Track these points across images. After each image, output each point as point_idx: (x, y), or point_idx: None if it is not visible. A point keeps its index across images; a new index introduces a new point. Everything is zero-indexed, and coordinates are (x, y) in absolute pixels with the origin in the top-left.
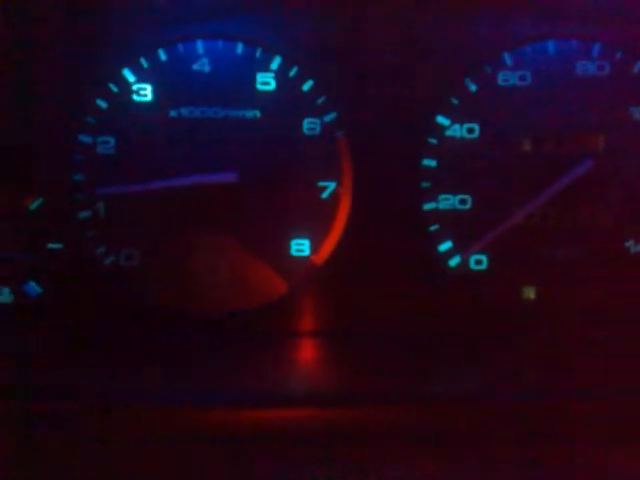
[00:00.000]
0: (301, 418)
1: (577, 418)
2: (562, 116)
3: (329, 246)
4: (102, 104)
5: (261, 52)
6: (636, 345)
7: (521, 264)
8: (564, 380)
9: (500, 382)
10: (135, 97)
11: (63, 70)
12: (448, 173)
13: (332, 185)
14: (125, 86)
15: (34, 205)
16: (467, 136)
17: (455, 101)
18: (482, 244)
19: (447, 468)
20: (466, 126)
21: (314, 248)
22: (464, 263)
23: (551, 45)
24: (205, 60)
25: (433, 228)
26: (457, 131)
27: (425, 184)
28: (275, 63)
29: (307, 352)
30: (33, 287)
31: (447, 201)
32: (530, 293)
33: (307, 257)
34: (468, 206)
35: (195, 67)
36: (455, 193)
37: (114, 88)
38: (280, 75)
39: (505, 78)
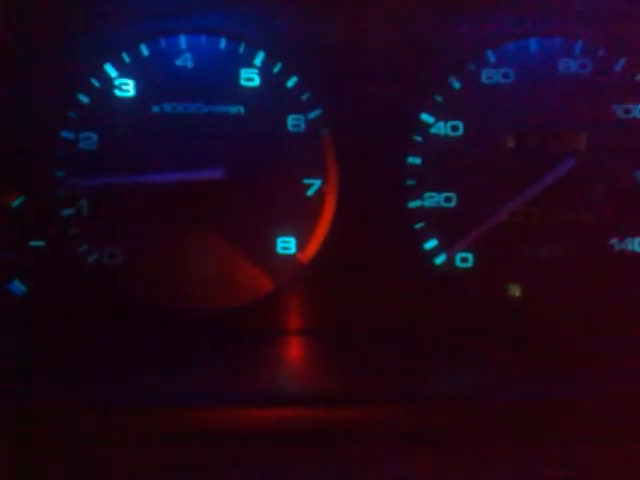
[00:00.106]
0: (289, 417)
1: (577, 418)
2: (545, 114)
3: (315, 244)
4: (84, 99)
5: (245, 47)
6: (631, 344)
7: (507, 262)
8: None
9: (489, 381)
10: (117, 92)
11: (44, 65)
12: (433, 171)
13: (317, 183)
14: (107, 81)
15: (16, 203)
16: (451, 134)
17: (439, 99)
18: (467, 242)
19: (434, 468)
20: (450, 124)
21: (300, 246)
22: (450, 261)
23: (534, 43)
24: (188, 55)
25: (418, 226)
26: (441, 129)
27: (410, 182)
28: (259, 59)
29: (293, 351)
30: (17, 286)
31: (432, 199)
32: (515, 291)
33: (293, 255)
34: (453, 204)
35: (178, 62)
36: (440, 191)
37: (96, 83)
38: (264, 71)
39: (489, 76)
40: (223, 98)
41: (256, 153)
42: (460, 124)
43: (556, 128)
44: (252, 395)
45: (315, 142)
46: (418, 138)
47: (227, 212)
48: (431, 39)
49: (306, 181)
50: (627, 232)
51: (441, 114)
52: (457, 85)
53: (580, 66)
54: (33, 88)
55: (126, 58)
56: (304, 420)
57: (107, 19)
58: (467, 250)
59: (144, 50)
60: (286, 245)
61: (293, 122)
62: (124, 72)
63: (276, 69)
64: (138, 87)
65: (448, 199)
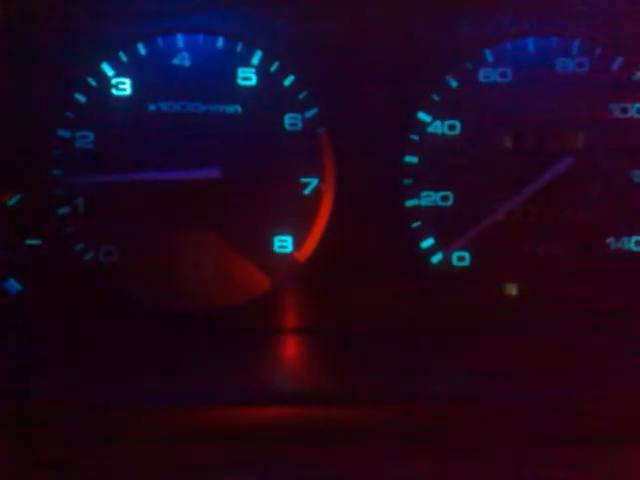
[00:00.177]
0: (286, 416)
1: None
2: (542, 113)
3: (312, 243)
4: (81, 98)
5: (242, 47)
6: (630, 343)
7: (503, 261)
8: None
9: (488, 381)
10: (114, 91)
11: (42, 64)
12: (430, 170)
13: (314, 181)
14: (104, 80)
15: (12, 201)
16: (448, 133)
17: (436, 98)
18: (464, 241)
19: (433, 468)
20: (447, 123)
21: (297, 245)
22: (446, 260)
23: (531, 42)
24: (185, 54)
25: (415, 225)
26: (438, 128)
27: (407, 181)
28: (256, 58)
29: (291, 349)
30: (13, 284)
31: (429, 198)
32: (512, 289)
33: (290, 254)
34: (450, 203)
35: (175, 61)
36: (437, 190)
37: (93, 82)
38: (261, 70)
39: (486, 75)
40: (220, 97)
41: (253, 152)
42: (457, 123)
43: (553, 127)
44: (250, 394)
45: (312, 141)
46: (415, 137)
47: (224, 210)
48: (430, 39)
49: (303, 180)
50: (623, 231)
51: (438, 113)
52: (454, 84)
53: (577, 65)
54: (30, 87)
55: (123, 57)
56: (301, 419)
57: (104, 18)
58: (464, 249)
59: (141, 49)
60: (283, 244)
61: (290, 121)
62: (121, 71)
63: (273, 68)
64: (135, 86)
65: (445, 198)
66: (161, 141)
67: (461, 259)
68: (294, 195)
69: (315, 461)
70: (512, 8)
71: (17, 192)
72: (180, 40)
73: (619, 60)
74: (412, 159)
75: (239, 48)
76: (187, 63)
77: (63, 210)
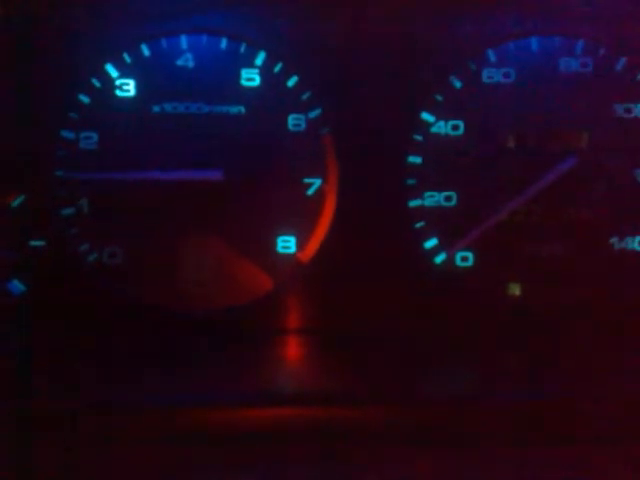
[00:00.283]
0: (288, 417)
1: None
2: (546, 113)
3: (315, 243)
4: (85, 99)
5: (245, 47)
6: (632, 343)
7: (507, 261)
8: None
9: (489, 381)
10: (118, 92)
11: (45, 65)
12: (433, 170)
13: (317, 182)
14: (108, 81)
15: (16, 202)
16: (452, 133)
17: (440, 98)
18: (468, 241)
19: (433, 468)
20: (451, 123)
21: (300, 245)
22: (450, 260)
23: (535, 42)
24: (189, 55)
25: (419, 225)
26: (442, 128)
27: (410, 181)
28: (260, 59)
29: (293, 350)
30: (17, 285)
31: (432, 198)
32: (515, 289)
33: (293, 254)
34: (453, 203)
35: (179, 62)
36: (440, 190)
37: (97, 83)
38: (265, 71)
39: (489, 75)
40: (224, 98)
41: (257, 152)
42: (461, 123)
43: (557, 127)
44: (251, 394)
45: (315, 141)
46: (419, 137)
47: (227, 211)
48: (431, 39)
49: (306, 180)
50: (627, 231)
51: (442, 113)
52: (458, 84)
53: (581, 65)
54: (34, 88)
55: (127, 58)
56: (303, 420)
57: (108, 19)
58: (467, 249)
59: (145, 50)
60: (286, 244)
61: (294, 122)
62: (125, 72)
63: (277, 69)
64: (139, 87)
65: (448, 198)
66: (165, 142)
67: (465, 259)
68: (297, 195)
69: (316, 462)
70: (515, 8)
71: (21, 193)
72: (184, 41)
73: (623, 60)
74: (415, 159)
75: (243, 49)
76: (191, 64)
77: (67, 211)
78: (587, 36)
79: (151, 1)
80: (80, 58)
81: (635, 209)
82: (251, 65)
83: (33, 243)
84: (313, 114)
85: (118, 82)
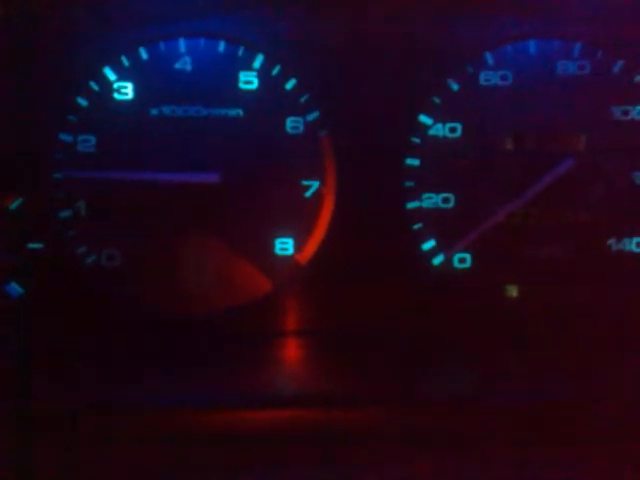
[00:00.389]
0: (287, 419)
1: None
2: (543, 115)
3: (313, 245)
4: (83, 102)
5: (243, 50)
6: (631, 344)
7: (504, 262)
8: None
9: (488, 381)
10: (116, 95)
11: (44, 68)
12: (431, 172)
13: (315, 184)
14: (106, 84)
15: (14, 205)
16: (450, 135)
17: (437, 100)
18: (465, 242)
19: (433, 468)
20: (449, 125)
21: (298, 247)
22: (448, 262)
23: (532, 44)
24: (187, 59)
25: (417, 227)
26: (440, 130)
27: (408, 183)
28: (258, 61)
29: (292, 352)
30: (14, 288)
31: (430, 200)
32: (513, 291)
33: (291, 256)
34: (451, 205)
35: (177, 66)
36: (438, 192)
37: (95, 86)
38: (263, 74)
39: (487, 77)
40: (222, 101)
41: (255, 155)
42: (458, 126)
43: (554, 130)
44: (250, 396)
45: (313, 144)
46: (416, 139)
47: (226, 213)
48: (430, 40)
49: (304, 182)
50: (625, 232)
51: (439, 116)
52: (455, 87)
53: (578, 68)
54: (32, 90)
55: (125, 61)
56: (302, 421)
57: (106, 23)
58: (465, 251)
59: (143, 53)
60: (284, 246)
61: (292, 124)
62: (123, 75)
63: (275, 72)
64: (137, 90)
65: (446, 200)
66: (163, 145)
67: (462, 261)
68: (295, 198)
69: (316, 463)
70: (513, 11)
71: (19, 196)
72: (182, 44)
73: (620, 63)
74: (413, 161)
75: (240, 52)
76: (189, 67)
77: (65, 213)
78: (584, 39)
79: (149, 4)
80: (79, 61)
81: (633, 211)
82: (249, 68)
83: (31, 245)
84: (311, 116)
85: (116, 85)
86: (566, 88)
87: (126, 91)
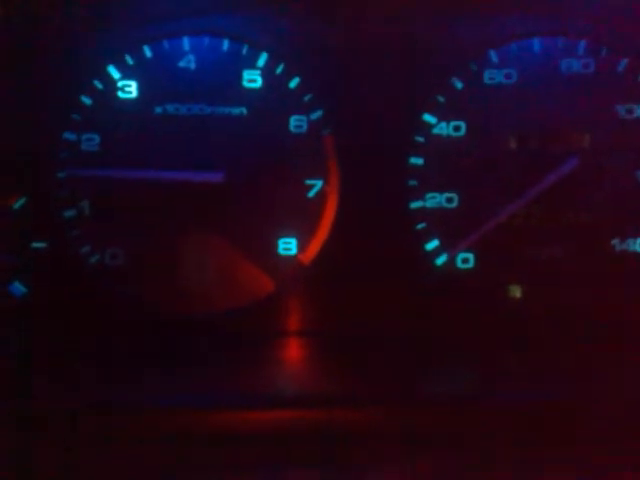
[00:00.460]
0: (288, 419)
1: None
2: (548, 114)
3: (316, 245)
4: (87, 101)
5: (247, 49)
6: (632, 344)
7: (508, 263)
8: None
9: (489, 381)
10: (120, 94)
11: (48, 66)
12: (435, 171)
13: (319, 183)
14: (110, 83)
15: (18, 204)
16: (454, 134)
17: (441, 99)
18: (469, 242)
19: (433, 468)
20: (452, 124)
21: (301, 247)
22: (451, 262)
23: (536, 43)
24: (191, 57)
25: (420, 226)
26: (444, 129)
27: (412, 182)
28: (262, 60)
29: (294, 352)
30: (18, 287)
31: (434, 199)
32: (516, 291)
33: (294, 256)
34: (455, 204)
35: (181, 64)
36: (442, 191)
37: (99, 85)
38: (267, 72)
39: (491, 76)
40: (226, 99)
41: (258, 154)
42: (462, 124)
43: (559, 128)
44: (251, 396)
45: (317, 143)
46: (420, 139)
47: (229, 213)
48: (432, 39)
49: (308, 182)
50: (628, 232)
51: (443, 114)
52: (459, 85)
53: (583, 66)
54: (36, 89)
55: (129, 60)
56: (302, 421)
57: (110, 21)
58: (468, 251)
59: (147, 52)
60: (287, 246)
61: (295, 123)
62: (127, 74)
63: (279, 70)
64: (141, 89)
65: (450, 200)
66: (167, 143)
67: (465, 261)
68: (299, 197)
69: (315, 463)
70: (517, 9)
71: (23, 195)
72: (186, 43)
73: (624, 61)
74: (417, 160)
75: (245, 50)
76: (193, 65)
77: (69, 213)
78: (589, 37)
79: (153, 3)
80: (82, 60)
81: (637, 210)
82: (253, 66)
83: (35, 245)
84: (315, 115)
85: (120, 84)
86: (570, 86)
87: (130, 89)
